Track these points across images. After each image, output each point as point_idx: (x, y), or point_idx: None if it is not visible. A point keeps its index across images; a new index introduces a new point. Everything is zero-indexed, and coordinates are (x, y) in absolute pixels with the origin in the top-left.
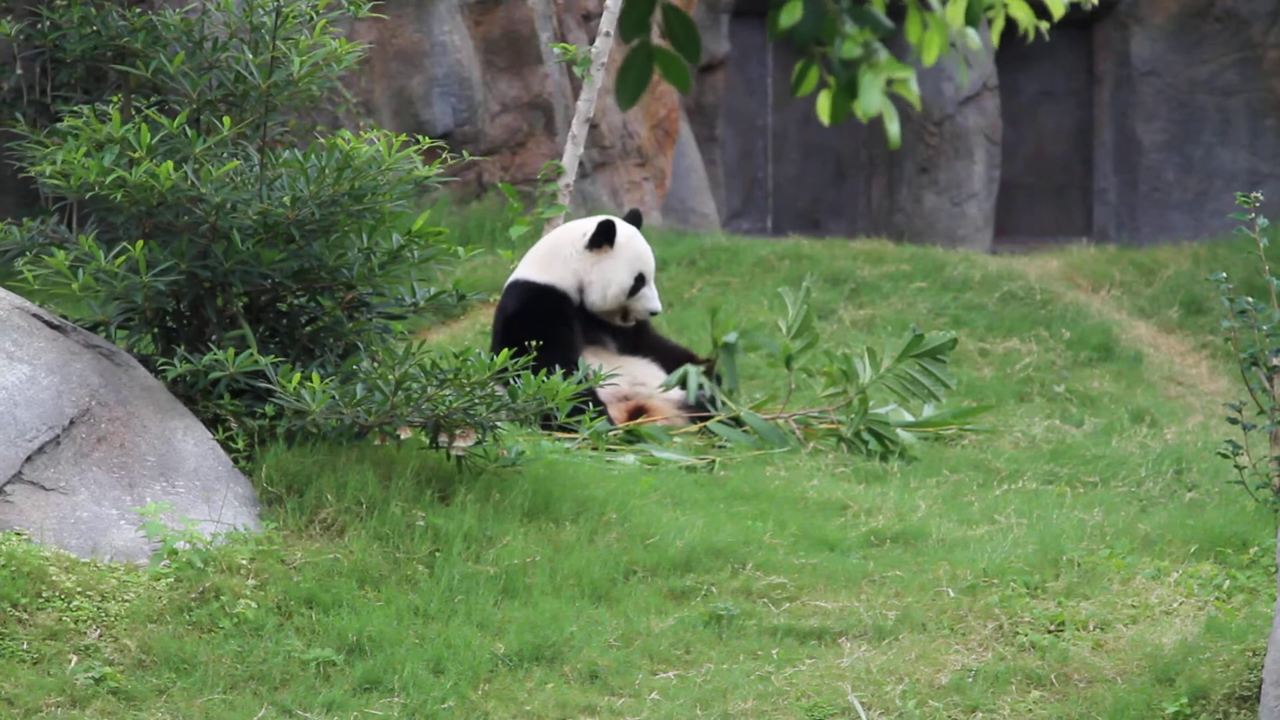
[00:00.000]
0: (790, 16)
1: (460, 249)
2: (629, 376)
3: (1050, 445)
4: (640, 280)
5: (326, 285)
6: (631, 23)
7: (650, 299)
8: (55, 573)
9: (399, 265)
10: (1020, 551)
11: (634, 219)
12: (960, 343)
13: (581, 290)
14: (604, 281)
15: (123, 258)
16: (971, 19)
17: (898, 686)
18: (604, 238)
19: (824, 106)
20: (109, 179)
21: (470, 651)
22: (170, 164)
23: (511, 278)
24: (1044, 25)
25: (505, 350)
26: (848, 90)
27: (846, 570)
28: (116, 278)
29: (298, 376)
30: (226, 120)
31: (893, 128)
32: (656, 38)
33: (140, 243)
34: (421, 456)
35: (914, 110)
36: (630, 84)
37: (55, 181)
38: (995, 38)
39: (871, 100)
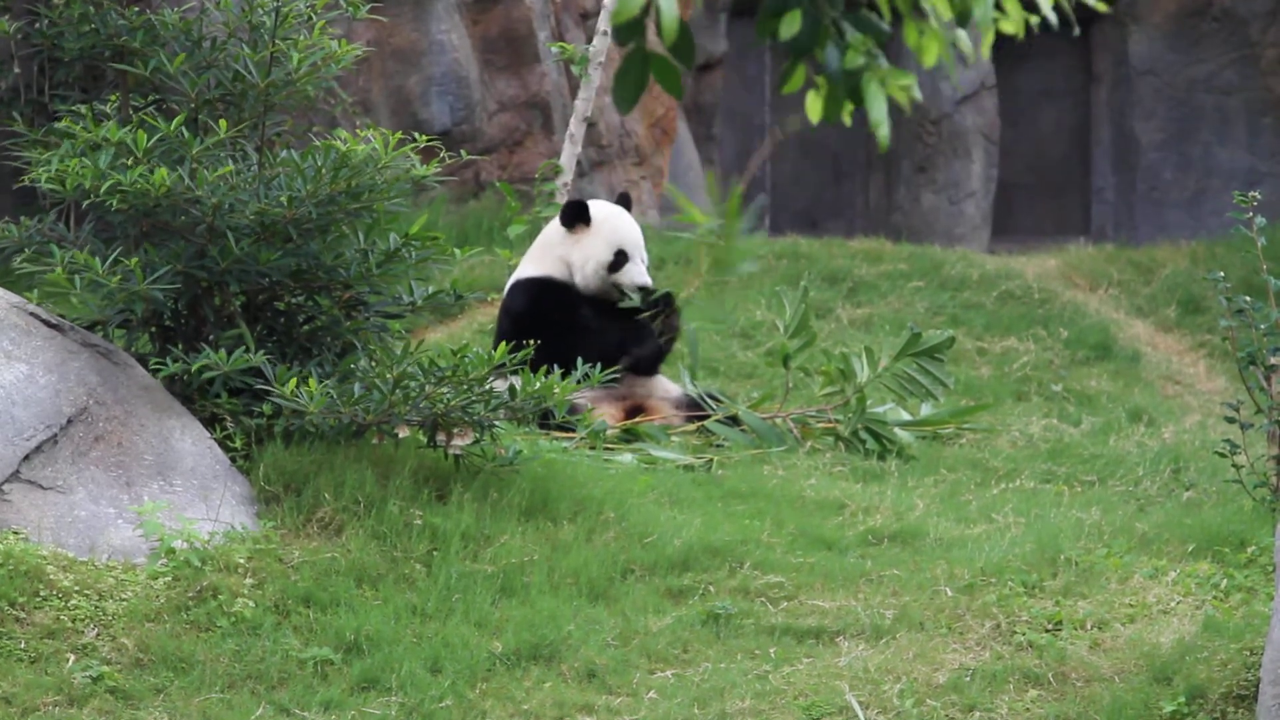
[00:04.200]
0: (790, 28)
1: (457, 251)
2: (628, 377)
3: (1048, 444)
4: (621, 256)
5: (324, 284)
6: (625, 26)
7: (634, 273)
8: (53, 571)
9: (396, 264)
10: (1018, 550)
11: (623, 201)
12: (958, 342)
13: (572, 274)
14: (583, 259)
15: (119, 265)
16: (962, 20)
17: (895, 685)
18: (576, 216)
19: (812, 105)
20: (105, 185)
21: (468, 650)
22: (164, 170)
23: (511, 278)
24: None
25: (503, 345)
26: (851, 98)
27: (844, 569)
28: (114, 290)
29: (294, 381)
30: (223, 123)
31: (883, 131)
32: (652, 35)
33: (135, 259)
34: (419, 455)
35: (909, 110)
36: (628, 88)
37: (52, 186)
38: (986, 50)
39: (879, 109)
